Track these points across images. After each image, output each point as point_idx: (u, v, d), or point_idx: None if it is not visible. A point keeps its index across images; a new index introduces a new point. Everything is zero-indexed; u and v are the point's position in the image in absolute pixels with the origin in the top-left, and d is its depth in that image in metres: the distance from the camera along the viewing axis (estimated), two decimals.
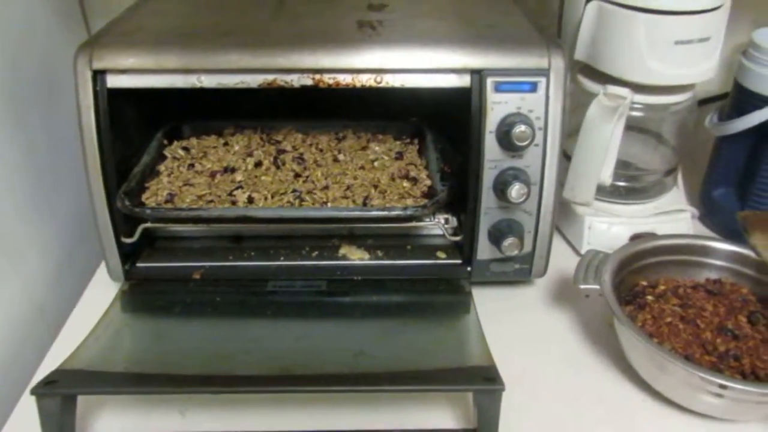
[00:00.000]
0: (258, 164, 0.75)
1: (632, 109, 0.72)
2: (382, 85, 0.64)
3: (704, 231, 0.84)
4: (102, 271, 0.74)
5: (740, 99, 0.78)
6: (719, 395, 0.55)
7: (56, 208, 0.83)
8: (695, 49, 0.69)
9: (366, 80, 0.63)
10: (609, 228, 0.78)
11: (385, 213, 0.66)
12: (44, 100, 0.81)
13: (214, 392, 0.58)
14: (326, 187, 0.71)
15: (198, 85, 0.64)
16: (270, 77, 0.63)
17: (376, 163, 0.75)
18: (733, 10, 0.71)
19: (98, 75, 0.63)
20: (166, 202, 0.68)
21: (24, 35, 0.78)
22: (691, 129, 0.81)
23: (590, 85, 0.76)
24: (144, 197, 0.69)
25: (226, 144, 0.79)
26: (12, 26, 0.76)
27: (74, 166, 0.69)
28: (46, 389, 0.54)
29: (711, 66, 0.72)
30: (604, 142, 0.69)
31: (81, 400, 0.57)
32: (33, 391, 0.54)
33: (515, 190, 0.63)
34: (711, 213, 0.85)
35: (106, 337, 0.62)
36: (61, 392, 0.54)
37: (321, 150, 0.78)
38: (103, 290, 0.71)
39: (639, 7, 0.68)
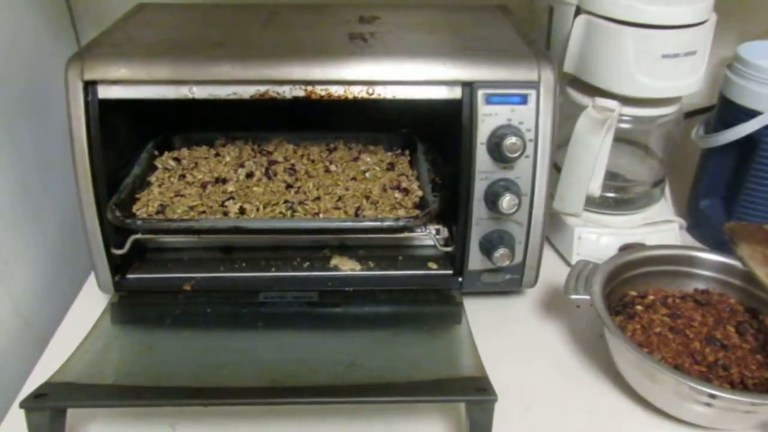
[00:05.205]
0: (249, 175, 0.75)
1: (620, 121, 0.73)
2: (374, 96, 0.64)
3: (691, 242, 0.85)
4: (91, 282, 0.73)
5: (726, 112, 0.79)
6: (708, 405, 0.56)
7: (45, 220, 0.82)
8: (682, 62, 0.71)
9: (358, 92, 0.64)
10: (598, 238, 0.79)
11: (377, 224, 0.67)
12: (33, 110, 0.80)
13: (204, 404, 0.58)
14: (318, 198, 0.71)
15: (190, 96, 0.64)
16: (262, 88, 0.63)
17: (367, 174, 0.76)
18: (719, 25, 0.72)
19: (89, 86, 0.63)
20: (157, 213, 0.68)
21: (12, 46, 0.78)
22: (678, 141, 0.82)
23: (579, 97, 0.77)
24: (135, 208, 0.69)
25: (217, 155, 0.79)
26: (0, 37, 0.76)
27: (64, 177, 0.68)
28: (35, 402, 0.53)
29: (697, 79, 0.73)
30: (593, 154, 0.70)
31: (70, 413, 0.57)
32: (22, 405, 0.53)
33: (506, 201, 0.64)
34: (698, 224, 0.86)
35: (96, 349, 0.62)
36: (51, 405, 0.54)
37: (312, 161, 0.78)
38: (92, 302, 0.71)
39: (627, 21, 0.69)
